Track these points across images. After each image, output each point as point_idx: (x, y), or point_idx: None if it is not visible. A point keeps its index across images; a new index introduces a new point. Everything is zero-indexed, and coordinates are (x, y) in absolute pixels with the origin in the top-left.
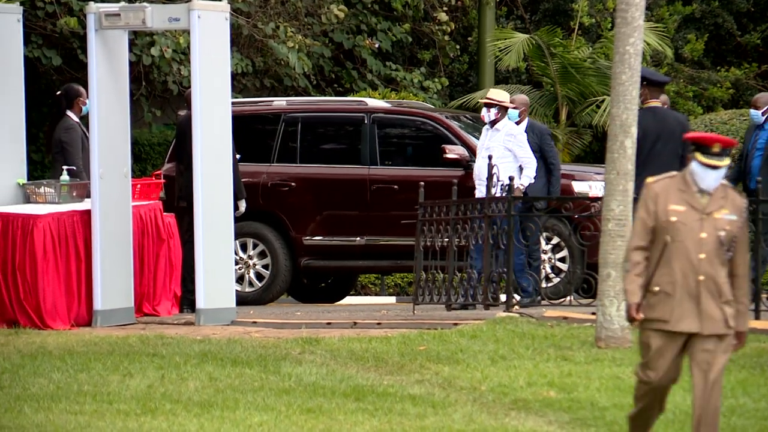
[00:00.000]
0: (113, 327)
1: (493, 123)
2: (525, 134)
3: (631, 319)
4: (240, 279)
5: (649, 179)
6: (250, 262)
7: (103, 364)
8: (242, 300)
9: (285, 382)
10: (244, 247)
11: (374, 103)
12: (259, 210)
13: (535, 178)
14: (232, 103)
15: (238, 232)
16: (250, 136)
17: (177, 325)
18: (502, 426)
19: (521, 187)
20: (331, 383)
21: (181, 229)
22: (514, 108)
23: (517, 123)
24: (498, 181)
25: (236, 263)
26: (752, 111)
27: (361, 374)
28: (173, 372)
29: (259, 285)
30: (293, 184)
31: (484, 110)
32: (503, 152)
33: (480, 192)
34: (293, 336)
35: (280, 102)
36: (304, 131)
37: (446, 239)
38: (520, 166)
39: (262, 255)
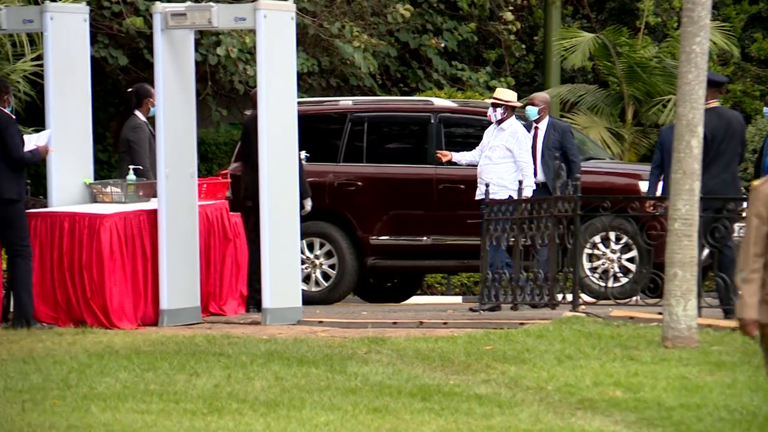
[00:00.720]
0: (180, 326)
1: (499, 122)
2: (530, 138)
3: (746, 333)
4: (306, 278)
5: (755, 182)
6: (317, 262)
7: (169, 363)
8: (309, 299)
9: (351, 382)
10: (311, 247)
11: (441, 102)
12: (325, 209)
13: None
14: (299, 103)
15: (305, 232)
16: (317, 135)
17: (243, 325)
18: (569, 426)
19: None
20: (398, 383)
21: (247, 228)
22: (533, 106)
23: (537, 121)
24: (560, 179)
25: (303, 263)
26: (766, 109)
27: (428, 374)
28: (239, 371)
29: (326, 285)
30: (360, 183)
31: (490, 110)
32: (504, 152)
33: (480, 192)
34: (359, 335)
35: (346, 102)
36: (371, 131)
37: (512, 239)
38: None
39: (328, 255)
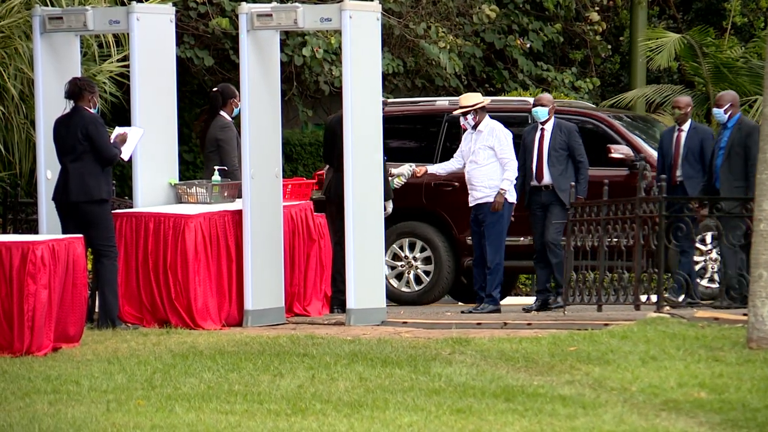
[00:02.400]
0: (264, 327)
1: (474, 126)
2: (509, 133)
3: None
4: (401, 277)
5: None
6: (414, 263)
7: (253, 364)
8: (404, 299)
9: (435, 383)
10: (411, 246)
11: None
12: (422, 210)
13: (514, 179)
14: (394, 104)
15: (401, 232)
16: (413, 136)
17: (327, 325)
18: (653, 427)
19: (503, 192)
20: (481, 384)
21: (332, 229)
22: (542, 106)
23: (545, 122)
24: (644, 179)
25: (398, 259)
26: (715, 109)
27: (512, 375)
28: (323, 372)
29: (423, 284)
30: (456, 184)
31: (461, 120)
32: (488, 152)
33: (473, 198)
34: (443, 336)
35: (442, 102)
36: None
37: (597, 239)
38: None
39: (424, 255)
